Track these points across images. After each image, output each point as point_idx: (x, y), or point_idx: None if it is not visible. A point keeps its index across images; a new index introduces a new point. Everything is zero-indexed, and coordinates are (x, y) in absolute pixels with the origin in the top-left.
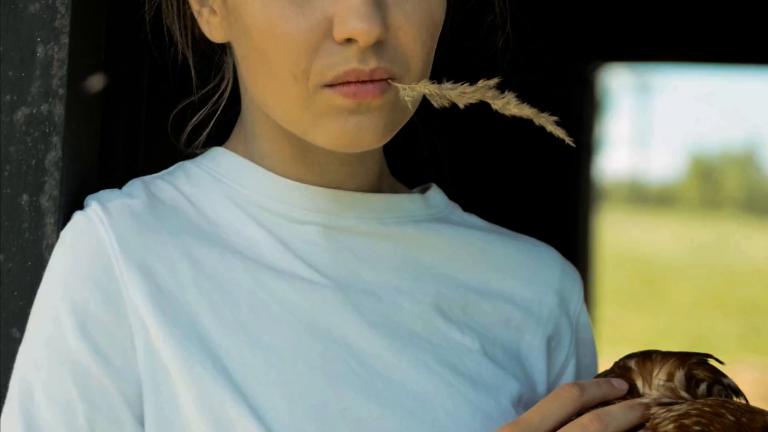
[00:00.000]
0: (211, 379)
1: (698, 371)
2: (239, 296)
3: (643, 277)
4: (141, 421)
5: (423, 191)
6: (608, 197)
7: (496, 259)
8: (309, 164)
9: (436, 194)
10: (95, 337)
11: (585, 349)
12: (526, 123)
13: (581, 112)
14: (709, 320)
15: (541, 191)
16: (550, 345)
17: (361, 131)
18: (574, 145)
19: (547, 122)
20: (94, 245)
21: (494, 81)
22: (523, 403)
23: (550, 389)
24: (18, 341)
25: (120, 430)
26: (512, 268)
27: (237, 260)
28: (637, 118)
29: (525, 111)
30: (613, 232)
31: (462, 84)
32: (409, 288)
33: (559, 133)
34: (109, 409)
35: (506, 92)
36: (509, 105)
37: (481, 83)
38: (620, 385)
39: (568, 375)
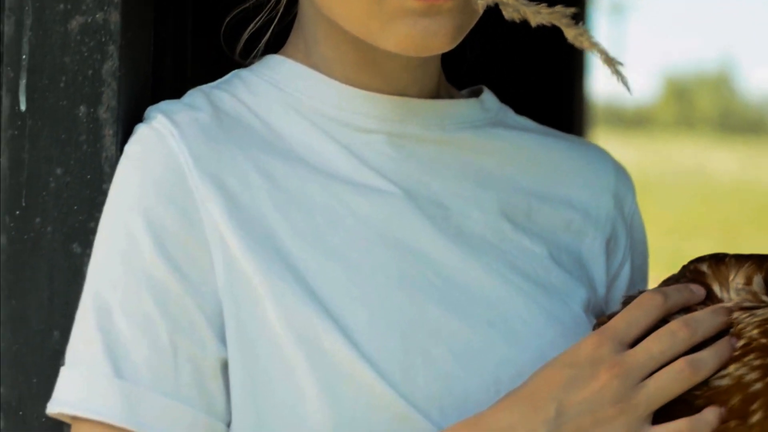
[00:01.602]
0: (293, 294)
1: None
2: (314, 209)
3: None
4: (222, 339)
5: (475, 94)
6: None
7: (554, 163)
8: (372, 70)
9: (489, 97)
10: (173, 254)
11: (638, 249)
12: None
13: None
14: (687, 239)
15: (535, 109)
16: (608, 247)
17: (430, 35)
18: (631, 94)
19: (614, 65)
20: (165, 159)
21: (571, 10)
22: (591, 307)
23: (608, 291)
24: (78, 256)
25: (202, 348)
26: (569, 171)
27: (307, 172)
28: (610, 40)
29: (598, 48)
30: None
31: (539, 3)
32: (474, 196)
33: (622, 78)
34: (191, 327)
35: (581, 24)
36: (582, 37)
37: (559, 8)
38: (699, 291)
39: (624, 276)
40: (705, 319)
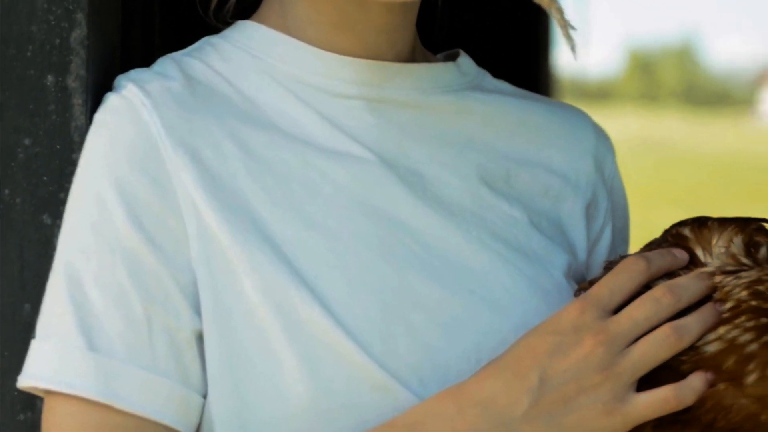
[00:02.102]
0: (271, 265)
1: (759, 237)
2: (290, 178)
3: None
4: (197, 311)
5: (451, 58)
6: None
7: (533, 127)
8: (349, 33)
9: (466, 61)
10: (146, 224)
11: (619, 212)
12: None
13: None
14: (654, 209)
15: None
16: (589, 211)
17: None
18: (576, 60)
19: (566, 27)
20: (137, 129)
21: None
22: (572, 273)
23: (589, 256)
24: (49, 227)
25: (177, 319)
26: (548, 135)
27: (283, 140)
28: (575, 13)
29: (555, 6)
30: None
31: None
32: (453, 162)
33: (571, 42)
34: (165, 298)
35: None
36: None
37: None
38: (682, 255)
39: (605, 240)
40: (689, 285)
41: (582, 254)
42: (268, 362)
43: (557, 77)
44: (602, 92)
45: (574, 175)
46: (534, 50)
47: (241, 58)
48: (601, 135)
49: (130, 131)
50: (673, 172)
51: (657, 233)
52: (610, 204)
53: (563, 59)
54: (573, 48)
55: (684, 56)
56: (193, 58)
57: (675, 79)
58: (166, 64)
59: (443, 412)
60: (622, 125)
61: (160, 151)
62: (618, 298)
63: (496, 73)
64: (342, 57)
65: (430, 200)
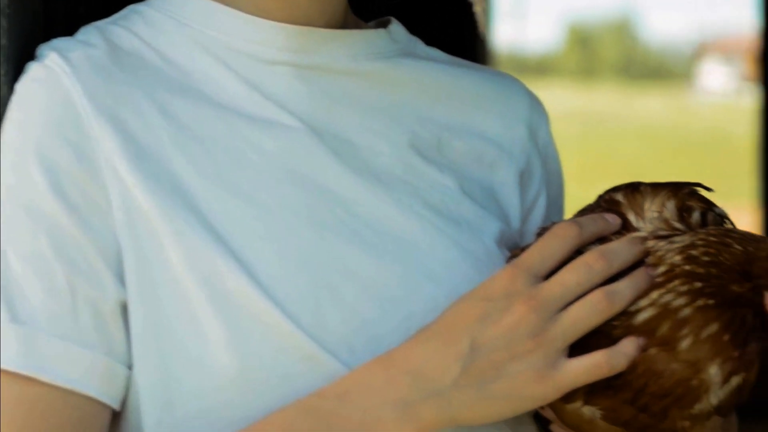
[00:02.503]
0: (195, 234)
1: (692, 201)
2: (216, 147)
3: None
4: (122, 281)
5: (383, 26)
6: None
7: (466, 94)
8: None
9: (398, 28)
10: (69, 194)
11: (553, 180)
12: None
13: None
14: (594, 185)
15: None
16: (522, 179)
17: None
18: (481, 33)
19: None
20: (59, 98)
21: None
22: (504, 240)
23: (523, 224)
24: None
25: (101, 290)
26: (482, 102)
27: (210, 109)
28: None
29: None
30: None
31: None
32: (383, 130)
33: (476, 14)
34: (89, 269)
35: None
36: None
37: None
38: (614, 220)
39: (539, 208)
40: (621, 250)
41: (515, 222)
42: (194, 333)
43: (494, 51)
44: (541, 67)
45: (508, 143)
46: (469, 24)
47: (167, 25)
48: (534, 103)
49: (52, 99)
50: (611, 146)
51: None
52: (545, 172)
53: (502, 34)
54: (479, 22)
55: (622, 30)
56: (118, 26)
57: (613, 54)
58: (89, 32)
59: (372, 381)
60: (562, 99)
61: (82, 120)
62: (549, 264)
63: (431, 46)
64: (272, 23)
65: (360, 169)
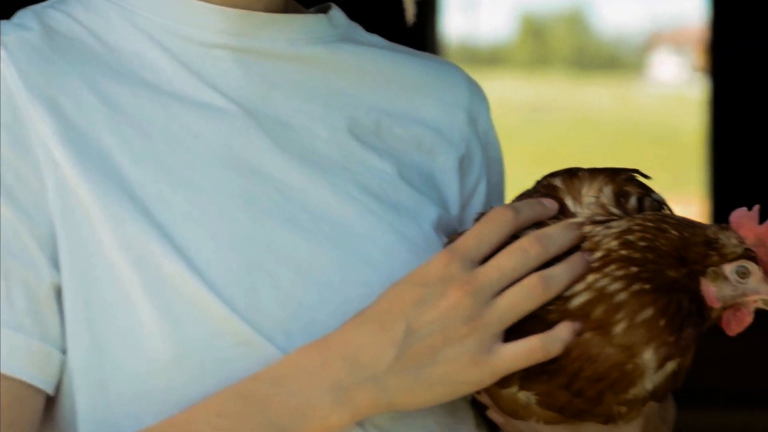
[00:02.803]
0: (130, 218)
1: (629, 187)
2: (151, 130)
3: None
4: (56, 264)
5: (323, 11)
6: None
7: (406, 80)
8: None
9: (338, 14)
10: (4, 179)
11: (494, 167)
12: None
13: None
14: (544, 173)
15: None
16: (462, 165)
17: None
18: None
19: None
20: None
21: None
22: (442, 226)
23: (463, 210)
24: None
25: (34, 273)
26: (421, 88)
27: (146, 92)
28: None
29: None
30: None
31: None
32: (321, 114)
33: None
34: (23, 253)
35: None
36: None
37: None
38: (551, 205)
39: (480, 194)
40: (557, 235)
41: (455, 208)
42: (128, 317)
43: (442, 40)
44: (493, 57)
45: (448, 129)
46: (420, 15)
47: (106, 8)
48: (474, 89)
49: None
50: (560, 137)
51: None
52: (485, 159)
53: (453, 25)
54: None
55: (575, 22)
56: (55, 10)
57: (566, 45)
58: (25, 16)
59: (307, 365)
60: (513, 90)
61: (17, 104)
62: (485, 249)
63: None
64: (210, 6)
65: (296, 153)
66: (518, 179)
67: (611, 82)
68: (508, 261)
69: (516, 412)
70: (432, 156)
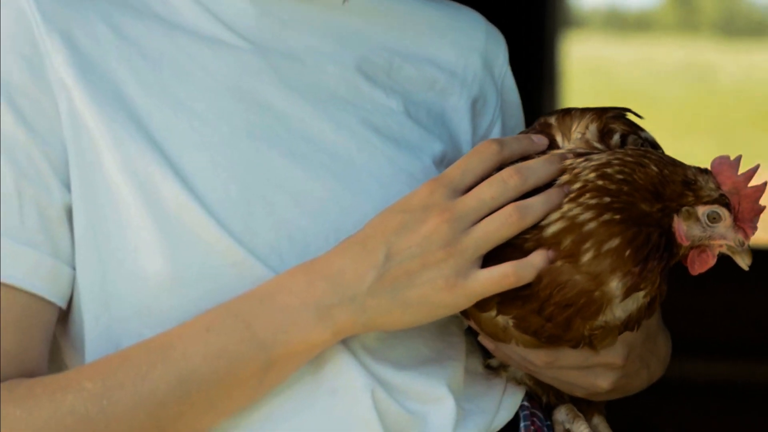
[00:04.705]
0: (134, 142)
1: (615, 124)
2: (161, 61)
3: (623, 101)
4: (67, 186)
5: None
6: (587, 24)
7: (422, 23)
8: None
9: None
10: (20, 105)
11: (511, 111)
12: None
13: None
14: (686, 139)
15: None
16: (475, 107)
17: None
18: None
19: None
20: (15, 16)
21: None
22: (446, 162)
23: None
24: None
25: (47, 194)
26: (437, 31)
27: (161, 27)
28: None
29: None
30: (591, 58)
31: None
32: (332, 51)
33: None
34: (37, 175)
35: None
36: None
37: None
38: (540, 140)
39: (495, 135)
40: (537, 167)
41: (467, 147)
42: (129, 237)
43: (593, 7)
44: (641, 22)
45: (462, 71)
46: None
47: None
48: (492, 35)
49: (9, 18)
50: (708, 103)
51: (691, 162)
52: (501, 102)
53: None
54: None
55: None
56: None
57: (714, 9)
58: None
59: (293, 284)
60: (660, 55)
61: (34, 35)
62: (469, 179)
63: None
64: None
65: (302, 88)
66: (661, 144)
67: (761, 48)
68: (487, 191)
69: (497, 335)
70: (444, 96)
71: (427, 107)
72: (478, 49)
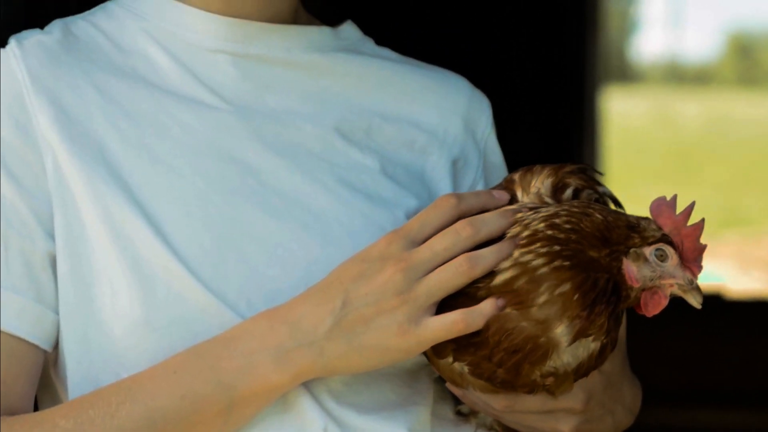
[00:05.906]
0: (113, 196)
1: (571, 179)
2: (143, 121)
3: (679, 154)
4: (51, 235)
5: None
6: (646, 77)
7: (404, 86)
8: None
9: (349, 28)
10: (8, 162)
11: (494, 172)
12: None
13: None
14: (743, 195)
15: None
16: (456, 166)
17: None
18: None
19: None
20: (7, 78)
21: None
22: None
23: None
24: None
25: (31, 243)
26: (419, 94)
27: (144, 88)
28: None
29: None
30: (650, 111)
31: None
32: (312, 112)
33: None
34: (22, 226)
35: None
36: None
37: None
38: (501, 196)
39: None
40: (490, 220)
41: None
42: (106, 284)
43: (652, 61)
44: (701, 76)
45: (442, 132)
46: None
47: (125, 17)
48: (475, 98)
49: (2, 79)
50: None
51: (739, 215)
52: (483, 163)
53: (659, 44)
54: None
55: None
56: (82, 19)
57: None
58: (55, 24)
59: (256, 329)
60: (719, 109)
61: (23, 96)
62: (427, 231)
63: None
64: (216, 16)
65: (278, 146)
66: (717, 199)
67: None
68: (440, 242)
69: (455, 381)
70: (424, 155)
71: (405, 165)
72: (460, 113)
